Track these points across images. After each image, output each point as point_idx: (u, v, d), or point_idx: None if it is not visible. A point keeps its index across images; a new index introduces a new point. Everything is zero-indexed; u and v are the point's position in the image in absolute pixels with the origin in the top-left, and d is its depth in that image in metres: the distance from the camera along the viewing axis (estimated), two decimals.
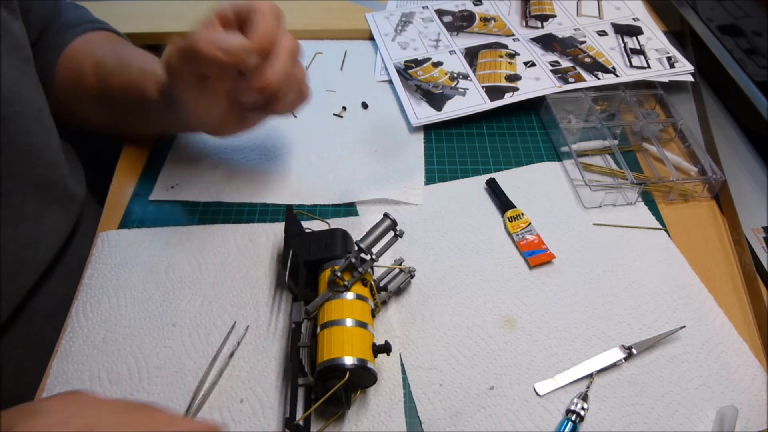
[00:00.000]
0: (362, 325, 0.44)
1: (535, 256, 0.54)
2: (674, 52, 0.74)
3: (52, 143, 0.54)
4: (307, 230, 0.54)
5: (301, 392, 0.45)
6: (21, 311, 0.51)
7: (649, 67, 0.72)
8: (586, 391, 0.45)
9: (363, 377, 0.43)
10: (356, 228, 0.57)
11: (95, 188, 0.64)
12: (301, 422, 0.42)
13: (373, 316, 0.47)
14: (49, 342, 0.50)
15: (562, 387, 0.46)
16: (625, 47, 0.75)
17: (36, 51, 0.56)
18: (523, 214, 0.57)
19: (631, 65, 0.72)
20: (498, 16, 0.83)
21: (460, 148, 0.66)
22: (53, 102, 0.56)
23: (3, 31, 0.50)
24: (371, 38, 0.81)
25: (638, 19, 0.80)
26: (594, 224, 0.58)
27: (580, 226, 0.58)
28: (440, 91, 0.71)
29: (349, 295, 0.45)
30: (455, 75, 0.73)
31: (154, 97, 0.56)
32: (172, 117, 0.55)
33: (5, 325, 0.50)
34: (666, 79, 0.71)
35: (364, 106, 0.71)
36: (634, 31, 0.78)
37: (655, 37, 0.77)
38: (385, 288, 0.50)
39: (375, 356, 0.43)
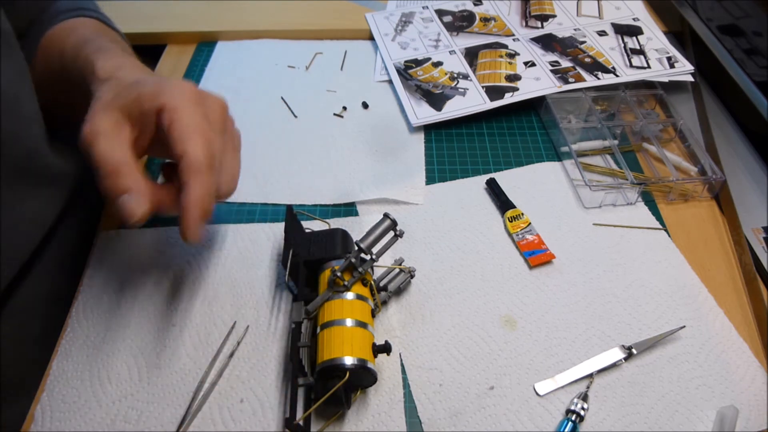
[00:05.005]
0: (362, 325, 0.44)
1: (535, 256, 0.54)
2: (674, 52, 0.74)
3: (33, 132, 0.50)
4: (307, 230, 0.54)
5: (301, 392, 0.45)
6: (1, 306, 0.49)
7: (649, 67, 0.72)
8: (586, 391, 0.45)
9: (363, 377, 0.43)
10: (356, 228, 0.57)
11: (92, 186, 0.64)
12: (301, 422, 0.42)
13: (373, 316, 0.47)
14: (32, 336, 0.48)
15: (562, 387, 0.46)
16: (625, 47, 0.75)
17: (24, 42, 0.54)
18: (523, 214, 0.57)
19: (631, 65, 0.72)
20: (498, 16, 0.83)
21: (460, 148, 0.66)
22: (38, 92, 0.53)
23: None
24: (371, 38, 0.81)
25: (638, 19, 0.80)
26: (594, 224, 0.58)
27: (580, 226, 0.58)
28: (440, 91, 0.71)
29: (349, 295, 0.45)
30: (455, 75, 0.73)
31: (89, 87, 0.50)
32: None
33: None
34: (666, 79, 0.71)
35: (365, 106, 0.71)
36: (634, 31, 0.78)
37: (655, 37, 0.77)
38: (385, 288, 0.50)
39: (375, 356, 0.43)
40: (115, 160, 0.41)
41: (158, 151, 0.45)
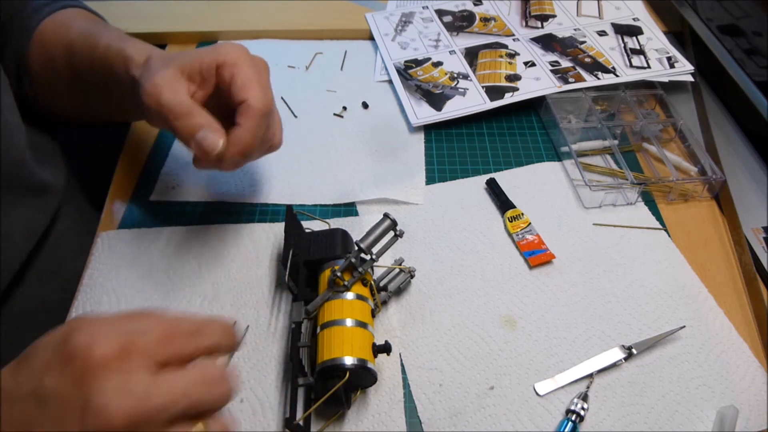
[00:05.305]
0: (362, 325, 0.44)
1: (535, 256, 0.54)
2: (674, 52, 0.74)
3: (18, 141, 0.51)
4: (307, 230, 0.54)
5: (301, 392, 0.45)
6: None
7: (649, 67, 0.72)
8: (586, 391, 0.45)
9: (363, 377, 0.43)
10: (356, 228, 0.57)
11: (90, 187, 0.64)
12: (301, 422, 0.42)
13: (373, 316, 0.47)
14: (31, 339, 0.48)
15: (562, 387, 0.46)
16: (625, 47, 0.75)
17: (5, 39, 0.54)
18: (523, 214, 0.57)
19: (631, 65, 0.72)
20: (498, 16, 0.83)
21: (460, 148, 0.66)
22: (31, 91, 0.53)
23: None
24: (371, 38, 0.81)
25: (638, 19, 0.80)
26: (594, 224, 0.58)
27: (580, 226, 0.58)
28: (440, 91, 0.71)
29: (349, 295, 0.45)
30: (455, 75, 0.73)
31: (120, 74, 0.51)
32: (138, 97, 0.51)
33: None
34: (666, 79, 0.71)
35: (365, 106, 0.71)
36: (634, 31, 0.78)
37: (655, 37, 0.77)
38: (385, 288, 0.50)
39: (375, 356, 0.43)
40: (183, 103, 0.44)
41: (212, 107, 0.47)
